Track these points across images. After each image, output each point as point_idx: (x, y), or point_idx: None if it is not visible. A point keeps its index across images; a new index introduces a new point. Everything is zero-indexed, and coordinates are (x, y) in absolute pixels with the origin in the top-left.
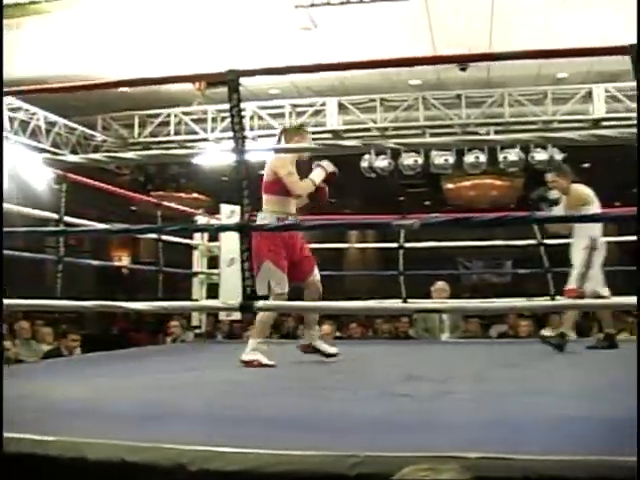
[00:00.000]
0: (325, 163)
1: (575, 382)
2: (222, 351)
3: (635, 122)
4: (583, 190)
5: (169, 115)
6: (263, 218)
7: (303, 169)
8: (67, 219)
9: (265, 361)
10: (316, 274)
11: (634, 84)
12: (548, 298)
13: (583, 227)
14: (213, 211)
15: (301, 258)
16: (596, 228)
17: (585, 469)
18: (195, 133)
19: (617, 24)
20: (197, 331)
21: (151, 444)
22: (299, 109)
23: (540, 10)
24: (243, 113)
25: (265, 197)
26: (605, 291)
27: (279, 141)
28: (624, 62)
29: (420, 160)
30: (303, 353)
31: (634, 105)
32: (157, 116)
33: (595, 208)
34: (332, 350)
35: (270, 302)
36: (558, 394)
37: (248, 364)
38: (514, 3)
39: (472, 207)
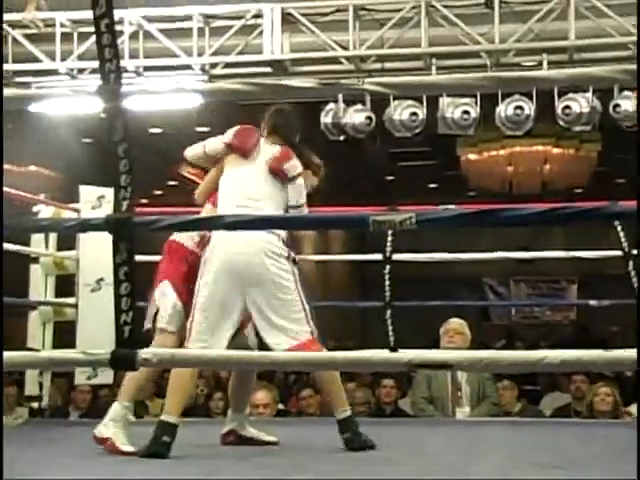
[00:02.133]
0: None
1: None
2: (78, 441)
3: None
4: None
5: None
6: None
7: None
8: None
9: (123, 446)
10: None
11: None
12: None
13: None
14: (66, 197)
15: None
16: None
17: None
18: (34, 60)
19: None
20: (34, 405)
21: None
22: (217, 23)
23: None
24: (120, 28)
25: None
26: None
27: None
28: None
29: (422, 113)
30: (223, 445)
31: None
32: None
33: None
34: (270, 438)
35: (162, 350)
36: None
37: (100, 442)
38: None
39: (510, 193)
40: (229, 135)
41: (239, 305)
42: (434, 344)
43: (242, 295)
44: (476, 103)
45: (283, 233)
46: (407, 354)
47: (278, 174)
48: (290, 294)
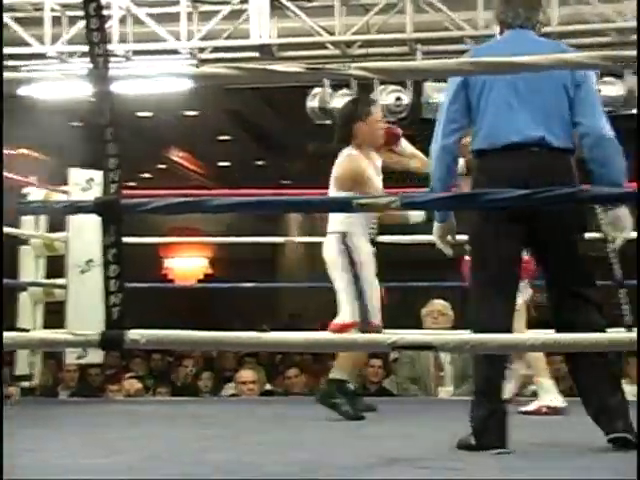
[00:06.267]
0: None
1: None
2: (70, 423)
3: None
4: None
5: None
6: None
7: None
8: None
9: None
10: None
11: None
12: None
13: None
14: (56, 179)
15: None
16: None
17: None
18: (23, 44)
19: None
20: (25, 384)
21: None
22: (205, 8)
23: None
24: (108, 12)
25: None
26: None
27: None
28: None
29: (407, 98)
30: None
31: None
32: None
33: None
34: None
35: (149, 332)
36: None
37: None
38: None
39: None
40: None
41: None
42: (417, 325)
43: None
44: None
45: (344, 227)
46: (392, 335)
47: None
48: (337, 282)
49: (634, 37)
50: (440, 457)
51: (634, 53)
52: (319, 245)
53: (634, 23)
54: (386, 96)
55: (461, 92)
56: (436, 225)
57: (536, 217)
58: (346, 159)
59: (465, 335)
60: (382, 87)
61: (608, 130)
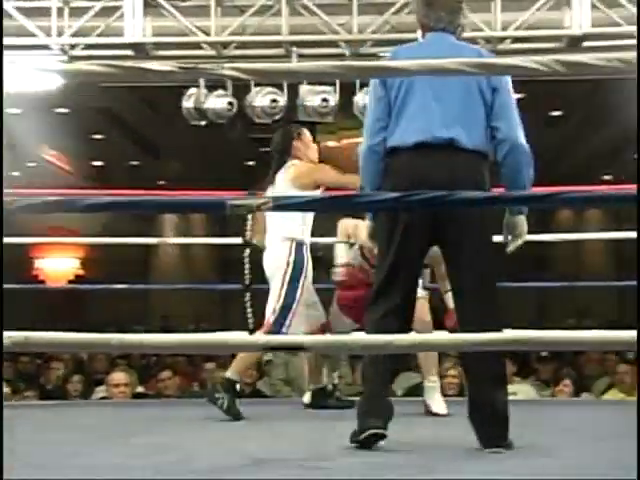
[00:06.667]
0: None
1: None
2: None
3: None
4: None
5: None
6: None
7: None
8: None
9: None
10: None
11: None
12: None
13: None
14: None
15: None
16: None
17: None
18: None
19: None
20: None
21: None
22: (77, 3)
23: None
24: None
25: None
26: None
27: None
28: None
29: (282, 100)
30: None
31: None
32: None
33: None
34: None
35: (16, 333)
36: None
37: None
38: None
39: None
40: None
41: None
42: None
43: None
44: (335, 91)
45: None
46: (264, 337)
47: None
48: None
49: (501, 46)
50: (310, 457)
51: (500, 61)
52: (194, 246)
53: (502, 33)
54: (262, 98)
55: (382, 91)
56: (368, 224)
57: (444, 217)
58: (296, 165)
59: (334, 336)
60: (258, 89)
61: (522, 138)
